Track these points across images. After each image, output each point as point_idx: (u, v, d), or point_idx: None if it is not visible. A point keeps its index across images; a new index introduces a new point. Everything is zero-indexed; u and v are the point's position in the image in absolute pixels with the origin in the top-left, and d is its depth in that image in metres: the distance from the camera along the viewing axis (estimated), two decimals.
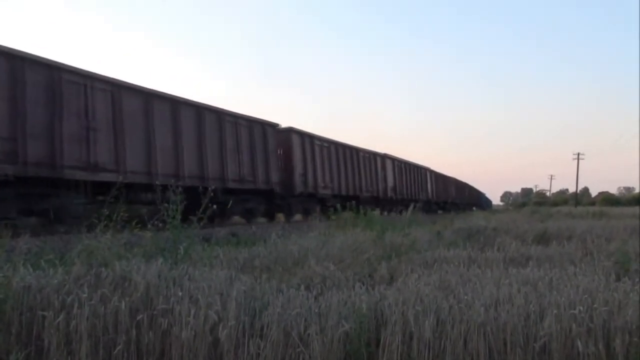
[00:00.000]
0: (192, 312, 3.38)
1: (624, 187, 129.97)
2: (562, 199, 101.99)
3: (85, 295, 3.50)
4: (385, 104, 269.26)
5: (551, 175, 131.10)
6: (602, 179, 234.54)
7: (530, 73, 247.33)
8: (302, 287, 4.08)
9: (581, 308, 3.44)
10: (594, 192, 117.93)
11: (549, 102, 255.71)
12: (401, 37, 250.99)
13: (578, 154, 73.67)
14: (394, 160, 31.28)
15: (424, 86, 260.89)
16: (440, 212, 39.54)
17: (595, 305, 3.52)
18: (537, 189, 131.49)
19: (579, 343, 3.22)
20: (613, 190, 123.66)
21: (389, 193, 29.55)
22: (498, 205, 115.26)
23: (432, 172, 40.42)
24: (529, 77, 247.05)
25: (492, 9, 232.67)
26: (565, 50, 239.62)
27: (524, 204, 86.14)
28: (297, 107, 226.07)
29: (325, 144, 22.78)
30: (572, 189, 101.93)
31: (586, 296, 3.71)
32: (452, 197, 48.44)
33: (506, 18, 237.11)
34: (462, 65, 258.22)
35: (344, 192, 23.45)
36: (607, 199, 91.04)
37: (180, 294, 3.64)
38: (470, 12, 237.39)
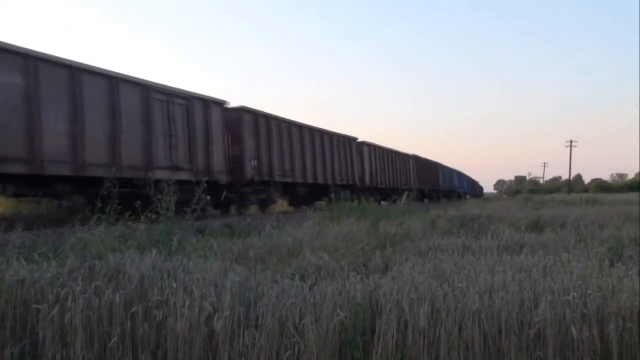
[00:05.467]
0: (187, 303, 3.36)
1: (617, 174, 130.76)
2: (556, 186, 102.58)
3: (79, 288, 3.48)
4: (378, 94, 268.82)
5: (544, 163, 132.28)
6: (594, 166, 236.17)
7: (523, 61, 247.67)
8: (297, 277, 4.08)
9: (575, 294, 3.45)
10: (587, 179, 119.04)
11: (542, 91, 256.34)
12: (393, 26, 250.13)
13: (571, 142, 74.21)
14: (266, 117, 18.28)
15: (416, 76, 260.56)
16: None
17: (589, 291, 3.53)
18: (531, 177, 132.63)
19: (573, 329, 3.23)
20: (606, 177, 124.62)
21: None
22: (491, 193, 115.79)
23: (368, 145, 28.17)
24: (522, 66, 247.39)
25: None
26: (558, 38, 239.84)
27: (517, 192, 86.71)
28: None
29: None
30: (565, 176, 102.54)
31: (580, 282, 3.72)
32: (410, 182, 35.65)
33: (498, 6, 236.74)
34: (454, 55, 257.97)
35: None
36: (600, 185, 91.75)
37: (174, 285, 3.62)
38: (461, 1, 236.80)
